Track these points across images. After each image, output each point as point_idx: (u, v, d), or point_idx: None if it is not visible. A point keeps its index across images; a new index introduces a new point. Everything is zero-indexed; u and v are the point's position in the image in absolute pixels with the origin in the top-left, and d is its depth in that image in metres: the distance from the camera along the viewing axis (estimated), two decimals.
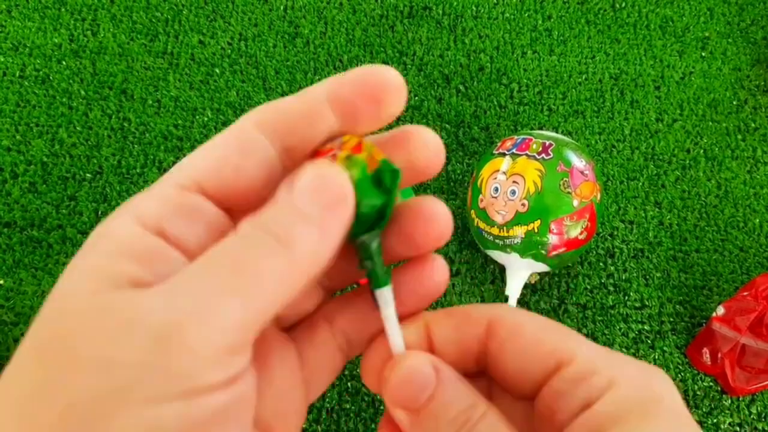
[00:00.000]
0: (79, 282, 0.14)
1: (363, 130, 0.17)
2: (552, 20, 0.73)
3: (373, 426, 0.53)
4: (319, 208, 0.15)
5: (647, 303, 0.58)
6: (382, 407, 0.53)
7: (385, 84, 0.16)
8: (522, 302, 0.58)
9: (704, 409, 0.54)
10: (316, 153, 0.17)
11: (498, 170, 0.53)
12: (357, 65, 0.69)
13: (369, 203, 0.17)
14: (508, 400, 0.18)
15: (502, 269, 0.59)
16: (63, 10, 0.71)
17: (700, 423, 0.53)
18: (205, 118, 0.66)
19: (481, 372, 0.18)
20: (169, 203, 0.15)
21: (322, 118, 0.16)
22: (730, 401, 0.54)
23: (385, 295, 0.18)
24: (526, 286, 0.58)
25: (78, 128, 0.65)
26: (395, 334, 0.18)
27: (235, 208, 0.17)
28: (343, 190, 0.15)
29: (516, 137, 0.55)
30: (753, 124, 0.68)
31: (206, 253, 0.14)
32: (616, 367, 0.16)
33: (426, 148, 0.18)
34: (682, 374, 0.55)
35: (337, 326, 0.19)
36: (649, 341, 0.57)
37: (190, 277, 0.14)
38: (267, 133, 0.16)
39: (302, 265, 0.14)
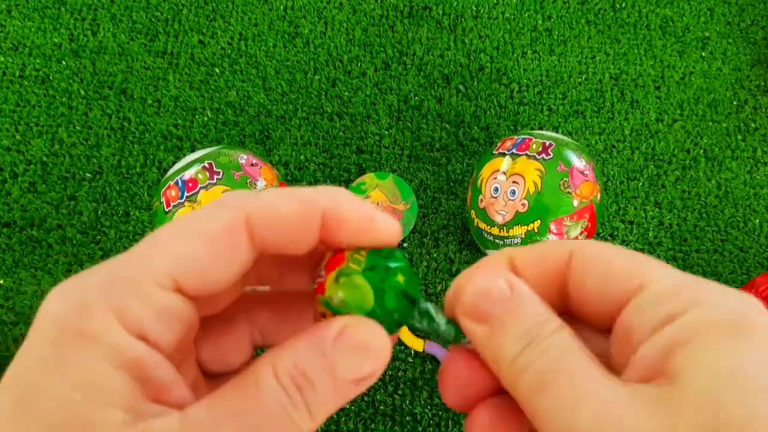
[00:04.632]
0: (98, 411, 0.14)
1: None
2: (552, 20, 0.73)
3: (372, 426, 0.53)
4: (352, 379, 0.15)
5: None
6: (381, 407, 0.53)
7: (383, 238, 0.17)
8: None
9: None
10: (317, 288, 0.17)
11: (498, 170, 0.53)
12: (357, 65, 0.69)
13: (392, 306, 0.17)
14: (587, 334, 0.17)
15: None
16: (63, 9, 0.71)
17: None
18: (205, 118, 0.66)
19: (563, 312, 0.18)
20: (150, 305, 0.15)
21: (310, 237, 0.17)
22: None
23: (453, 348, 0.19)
24: None
25: (78, 128, 0.65)
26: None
27: (201, 301, 0.17)
28: (379, 366, 0.16)
29: (516, 137, 0.55)
30: (753, 125, 0.68)
31: (241, 399, 0.14)
32: (702, 290, 0.15)
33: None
34: None
35: (255, 323, 0.20)
36: None
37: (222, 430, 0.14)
38: (253, 236, 0.16)
39: (314, 428, 0.15)
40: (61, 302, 0.15)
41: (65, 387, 0.13)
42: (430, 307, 0.18)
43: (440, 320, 0.18)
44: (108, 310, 0.14)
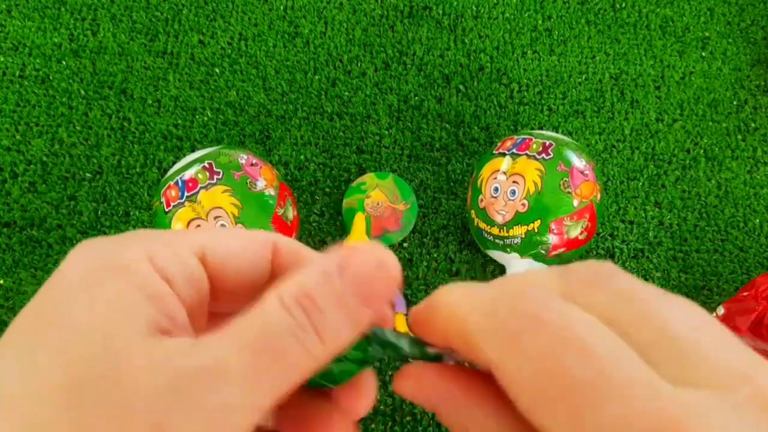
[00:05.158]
0: (120, 319, 0.14)
1: None
2: (552, 20, 0.73)
3: (372, 426, 0.53)
4: (358, 295, 0.15)
5: None
6: (381, 407, 0.53)
7: (389, 288, 0.17)
8: None
9: None
10: None
11: (498, 170, 0.53)
12: (357, 65, 0.69)
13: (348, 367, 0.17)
14: None
15: (502, 269, 0.59)
16: (63, 9, 0.71)
17: None
18: (205, 118, 0.66)
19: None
20: (180, 262, 0.16)
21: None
22: None
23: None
24: None
25: (78, 128, 0.65)
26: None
27: (219, 288, 0.17)
28: (385, 276, 0.15)
29: (516, 137, 0.55)
30: (753, 124, 0.68)
31: (248, 326, 0.14)
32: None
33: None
34: None
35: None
36: None
37: (231, 352, 0.14)
38: (275, 257, 0.18)
39: (326, 359, 0.15)
40: (91, 245, 0.15)
41: (88, 303, 0.14)
42: (387, 332, 0.17)
43: (403, 343, 0.17)
44: (142, 252, 0.15)
